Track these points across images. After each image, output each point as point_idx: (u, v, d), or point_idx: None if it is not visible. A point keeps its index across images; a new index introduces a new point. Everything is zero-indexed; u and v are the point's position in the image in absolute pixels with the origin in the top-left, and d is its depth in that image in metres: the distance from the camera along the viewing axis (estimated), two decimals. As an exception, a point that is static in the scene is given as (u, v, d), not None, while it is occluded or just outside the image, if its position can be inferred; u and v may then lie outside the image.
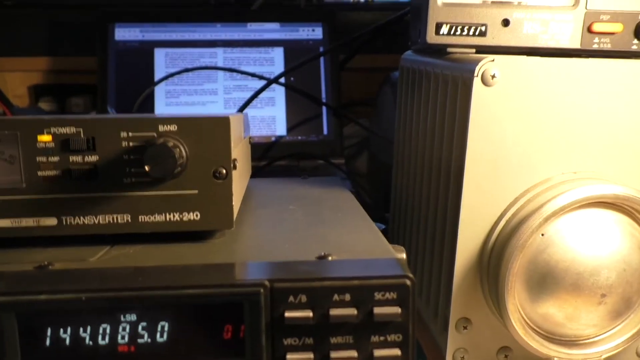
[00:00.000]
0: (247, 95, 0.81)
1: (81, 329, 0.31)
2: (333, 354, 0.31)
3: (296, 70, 0.84)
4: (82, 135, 0.35)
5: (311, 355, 0.31)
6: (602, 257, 0.39)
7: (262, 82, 0.82)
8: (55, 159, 0.35)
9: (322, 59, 0.89)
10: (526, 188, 0.41)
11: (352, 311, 0.31)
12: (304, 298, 0.31)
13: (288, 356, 0.31)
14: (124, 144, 0.35)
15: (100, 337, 0.31)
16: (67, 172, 0.35)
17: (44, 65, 0.97)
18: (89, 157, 0.35)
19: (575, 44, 0.42)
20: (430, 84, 0.47)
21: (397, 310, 0.31)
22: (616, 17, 0.42)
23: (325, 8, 1.00)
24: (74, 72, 0.96)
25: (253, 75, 0.85)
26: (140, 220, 0.36)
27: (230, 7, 0.94)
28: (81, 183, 0.35)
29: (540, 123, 0.40)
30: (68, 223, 0.36)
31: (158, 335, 0.31)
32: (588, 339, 0.42)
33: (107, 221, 0.36)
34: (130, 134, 0.35)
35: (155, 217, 0.36)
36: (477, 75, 0.39)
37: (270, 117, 0.89)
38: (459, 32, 0.42)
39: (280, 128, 0.89)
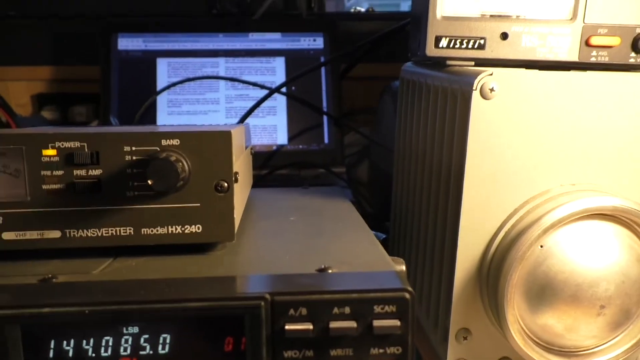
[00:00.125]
0: (249, 104, 0.81)
1: (84, 341, 0.31)
2: (333, 367, 0.31)
3: (297, 79, 0.84)
4: (86, 150, 0.35)
5: (311, 368, 0.31)
6: (600, 268, 0.39)
7: (264, 92, 0.82)
8: (60, 172, 0.36)
9: (323, 69, 0.90)
10: (525, 200, 0.41)
11: (352, 324, 0.31)
12: (304, 311, 0.31)
13: (288, 368, 0.31)
14: (128, 157, 0.36)
15: (102, 349, 0.31)
16: (71, 185, 0.36)
17: (47, 75, 0.98)
18: (93, 170, 0.36)
19: (573, 57, 0.43)
20: (430, 96, 0.48)
21: (396, 323, 0.31)
22: (614, 31, 0.42)
23: (326, 18, 1.00)
24: (77, 81, 0.97)
25: (255, 84, 0.86)
26: (142, 233, 0.37)
27: (232, 18, 0.95)
28: (85, 196, 0.36)
29: (539, 135, 0.40)
30: (72, 236, 0.36)
31: (160, 347, 0.32)
32: (587, 350, 0.42)
33: (110, 234, 0.36)
34: (133, 148, 0.36)
35: (157, 230, 0.37)
36: (475, 89, 0.39)
37: (272, 126, 0.89)
38: (458, 45, 0.43)
39: (281, 137, 0.89)
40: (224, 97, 0.89)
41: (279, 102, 0.89)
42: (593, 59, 0.43)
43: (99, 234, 0.36)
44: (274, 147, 0.89)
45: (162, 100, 0.88)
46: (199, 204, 0.37)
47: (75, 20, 0.98)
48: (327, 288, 0.32)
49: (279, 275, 0.34)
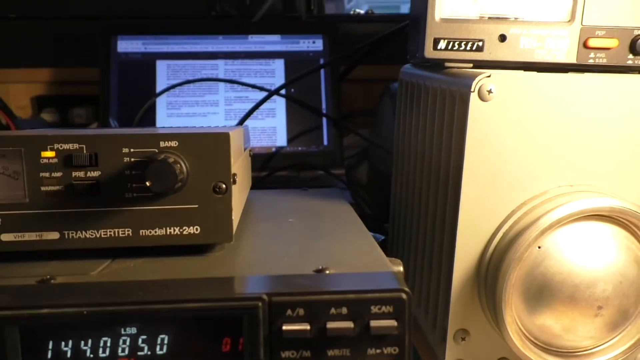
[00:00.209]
0: (248, 106, 0.81)
1: (82, 342, 0.31)
2: (330, 367, 0.31)
3: (297, 81, 0.84)
4: (85, 151, 0.36)
5: (309, 368, 0.31)
6: (598, 269, 0.39)
7: (263, 94, 0.82)
8: (59, 174, 0.36)
9: (322, 71, 0.90)
10: (523, 201, 0.41)
11: (349, 324, 0.31)
12: (301, 311, 0.31)
13: (286, 369, 0.31)
14: (126, 159, 0.36)
15: (100, 350, 0.32)
16: (70, 187, 0.36)
17: (47, 77, 0.98)
18: (92, 172, 0.36)
19: (571, 59, 0.43)
20: (429, 98, 0.48)
21: (393, 323, 0.31)
22: (612, 33, 0.42)
23: (325, 20, 1.01)
24: (77, 83, 0.97)
25: (254, 86, 0.86)
26: (141, 234, 0.37)
27: (232, 20, 0.95)
28: (83, 198, 0.36)
29: (537, 137, 0.40)
30: (70, 237, 0.36)
31: (158, 348, 0.32)
32: (585, 350, 0.42)
33: (108, 235, 0.36)
34: (132, 149, 0.36)
35: (156, 231, 0.37)
36: (473, 91, 0.39)
37: (271, 128, 0.89)
38: (456, 47, 0.43)
39: (280, 139, 0.89)
40: (223, 99, 0.89)
41: (279, 104, 0.89)
42: (591, 61, 0.43)
43: (98, 235, 0.36)
44: (273, 149, 0.89)
45: (161, 103, 0.88)
46: (197, 206, 0.37)
47: (75, 22, 0.98)
48: (324, 288, 0.32)
49: (276, 276, 0.34)
